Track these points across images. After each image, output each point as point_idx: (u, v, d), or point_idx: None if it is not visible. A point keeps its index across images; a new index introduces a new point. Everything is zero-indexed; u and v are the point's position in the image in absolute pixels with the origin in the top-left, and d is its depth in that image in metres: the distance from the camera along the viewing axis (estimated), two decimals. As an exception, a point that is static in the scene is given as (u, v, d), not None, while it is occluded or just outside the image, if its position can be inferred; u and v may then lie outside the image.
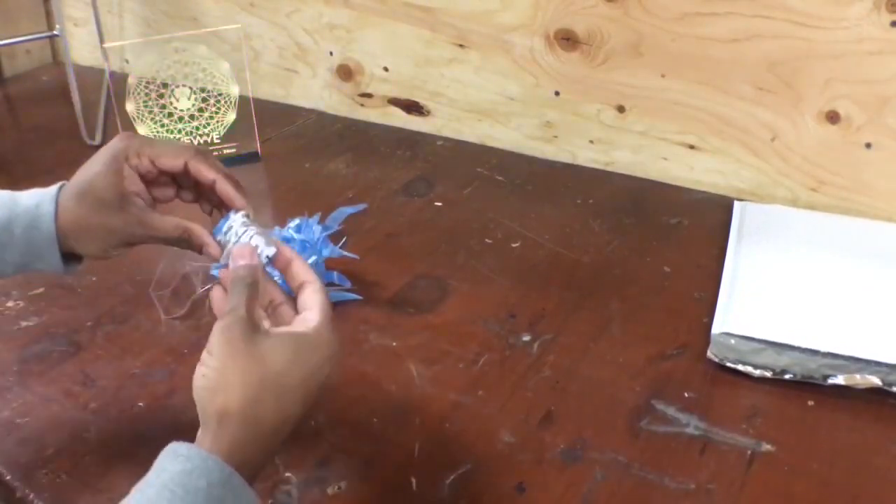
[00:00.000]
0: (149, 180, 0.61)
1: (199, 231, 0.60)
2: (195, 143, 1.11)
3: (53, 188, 0.61)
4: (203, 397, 0.48)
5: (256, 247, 0.56)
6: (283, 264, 0.57)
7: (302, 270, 0.56)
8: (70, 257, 0.62)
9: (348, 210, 0.89)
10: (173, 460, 0.46)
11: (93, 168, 0.59)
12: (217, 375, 0.48)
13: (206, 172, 0.60)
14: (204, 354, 0.50)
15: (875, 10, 0.87)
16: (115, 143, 0.60)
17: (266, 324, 0.53)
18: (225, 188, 0.60)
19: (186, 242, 0.60)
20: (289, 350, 0.50)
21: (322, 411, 0.68)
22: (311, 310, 0.53)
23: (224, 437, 0.47)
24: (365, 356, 0.76)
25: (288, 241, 0.82)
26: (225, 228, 0.59)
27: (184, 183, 0.63)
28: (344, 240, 0.91)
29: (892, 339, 0.71)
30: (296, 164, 1.14)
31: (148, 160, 0.60)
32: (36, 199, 0.60)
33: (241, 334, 0.49)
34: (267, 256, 0.55)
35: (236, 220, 0.59)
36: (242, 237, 0.57)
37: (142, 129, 1.08)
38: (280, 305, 0.56)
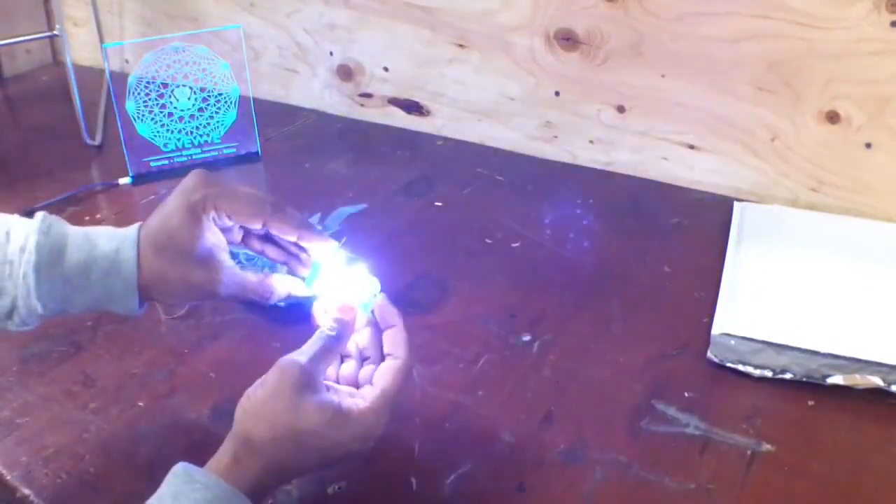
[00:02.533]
0: (221, 227, 0.59)
1: (282, 284, 0.61)
2: (195, 142, 1.11)
3: (132, 232, 0.58)
4: (239, 416, 0.52)
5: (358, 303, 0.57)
6: (383, 324, 0.58)
7: (398, 337, 0.57)
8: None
9: (348, 210, 0.89)
10: (191, 487, 0.48)
11: (172, 220, 0.57)
12: (258, 405, 0.51)
13: (287, 231, 0.59)
14: (260, 379, 0.52)
15: (875, 10, 0.87)
16: (190, 192, 0.57)
17: (325, 385, 0.54)
18: (310, 241, 0.60)
19: (268, 298, 0.60)
20: (326, 418, 0.51)
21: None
22: (375, 387, 0.55)
23: (243, 472, 0.50)
24: (365, 356, 0.76)
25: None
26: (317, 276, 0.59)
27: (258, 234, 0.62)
28: (344, 240, 0.90)
29: (891, 339, 0.71)
30: (296, 164, 1.14)
31: (226, 215, 0.58)
32: (115, 244, 0.57)
33: (293, 384, 0.51)
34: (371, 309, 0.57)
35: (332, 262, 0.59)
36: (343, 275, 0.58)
37: (142, 130, 1.08)
38: (367, 361, 0.59)
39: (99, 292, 0.57)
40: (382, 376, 0.56)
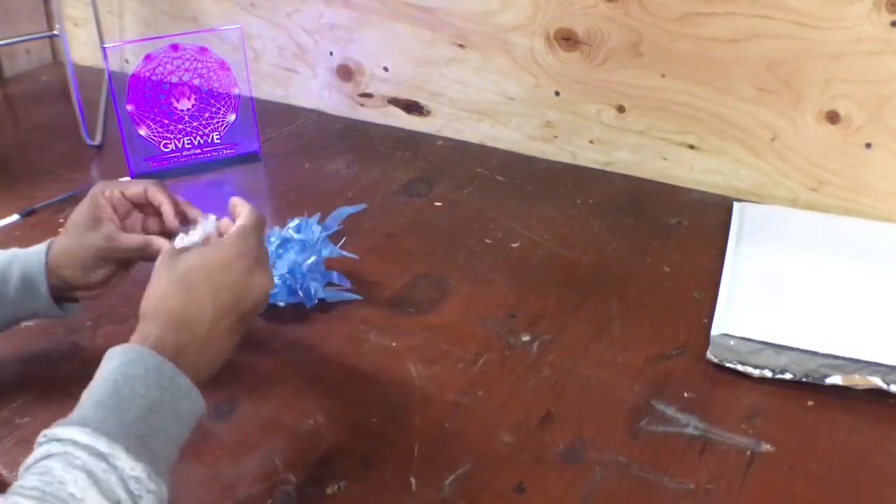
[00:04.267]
0: (121, 214, 0.70)
1: (158, 240, 0.68)
2: (195, 142, 1.11)
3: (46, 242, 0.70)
4: (140, 313, 0.57)
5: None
6: (228, 219, 0.66)
7: (236, 203, 0.65)
8: (65, 301, 0.71)
9: (348, 210, 0.89)
10: (111, 360, 0.53)
11: (76, 210, 0.69)
12: (146, 292, 0.58)
13: (159, 196, 0.70)
14: None
15: (875, 10, 0.87)
16: (92, 188, 0.70)
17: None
18: (178, 207, 0.70)
19: (148, 254, 0.68)
20: (194, 258, 0.59)
21: (322, 411, 0.69)
22: (237, 221, 0.63)
23: (142, 330, 0.55)
24: (365, 356, 0.76)
25: (287, 240, 0.82)
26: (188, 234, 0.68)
27: (148, 214, 0.72)
28: (344, 240, 0.91)
29: (891, 340, 0.71)
30: (296, 164, 1.14)
31: (118, 192, 0.70)
32: (34, 247, 0.70)
33: (163, 259, 0.60)
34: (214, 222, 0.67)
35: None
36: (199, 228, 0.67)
37: (142, 130, 1.08)
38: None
39: (19, 283, 0.67)
40: (238, 210, 0.64)
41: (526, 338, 0.78)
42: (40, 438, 0.49)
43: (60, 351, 0.76)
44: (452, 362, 0.75)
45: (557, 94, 1.10)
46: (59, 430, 0.49)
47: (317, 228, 0.83)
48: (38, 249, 0.69)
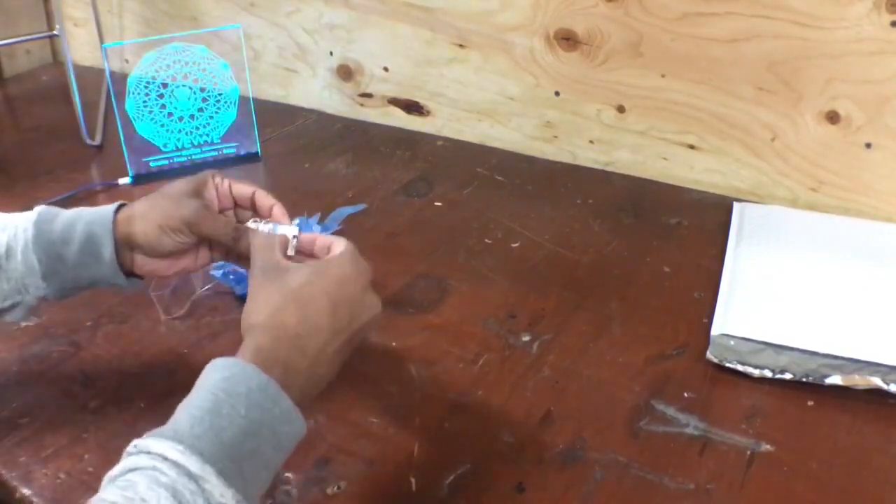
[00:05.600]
0: (222, 205, 0.69)
1: (250, 229, 0.65)
2: (195, 142, 1.11)
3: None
4: (242, 322, 0.55)
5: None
6: (308, 243, 0.63)
7: (325, 238, 0.63)
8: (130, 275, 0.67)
9: (348, 210, 0.89)
10: (214, 371, 0.50)
11: (175, 182, 0.67)
12: (250, 301, 0.56)
13: (269, 199, 0.68)
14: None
15: (875, 10, 0.87)
16: (204, 171, 0.69)
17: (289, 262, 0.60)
18: (277, 211, 0.68)
19: (237, 242, 0.65)
20: (308, 271, 0.56)
21: (322, 411, 0.69)
22: (335, 247, 0.61)
23: (251, 344, 0.52)
24: (365, 356, 0.76)
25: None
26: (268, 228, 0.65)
27: (244, 219, 0.70)
28: (344, 240, 0.90)
29: (891, 340, 0.71)
30: (296, 164, 1.14)
31: (227, 184, 0.69)
32: (101, 207, 0.67)
33: (267, 271, 0.57)
34: (294, 236, 0.63)
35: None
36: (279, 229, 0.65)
37: (142, 130, 1.08)
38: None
39: (82, 241, 0.64)
40: (334, 242, 0.61)
41: (526, 338, 0.78)
42: (130, 448, 0.47)
43: (60, 351, 0.76)
44: (452, 362, 0.75)
45: (557, 94, 1.10)
46: (150, 441, 0.46)
47: (317, 228, 0.83)
48: (106, 210, 0.65)
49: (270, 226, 0.64)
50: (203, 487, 0.44)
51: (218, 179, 0.68)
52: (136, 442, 0.46)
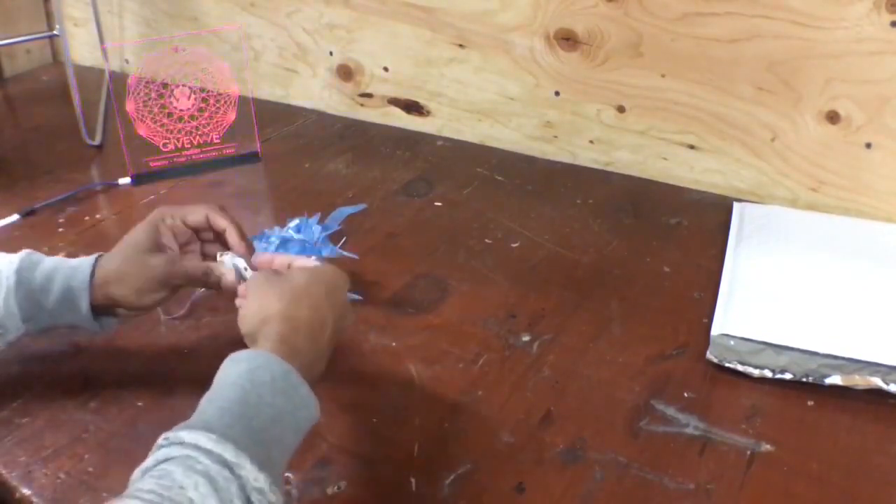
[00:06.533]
0: (181, 242, 0.71)
1: (219, 267, 0.69)
2: (195, 143, 1.11)
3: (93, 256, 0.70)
4: (246, 323, 0.59)
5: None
6: (265, 262, 0.69)
7: (284, 258, 0.68)
8: (105, 315, 0.70)
9: (348, 210, 0.89)
10: (235, 365, 0.53)
11: (133, 232, 0.69)
12: (253, 302, 0.59)
13: (221, 221, 0.71)
14: (239, 302, 0.63)
15: (875, 10, 0.87)
16: (152, 214, 0.71)
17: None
18: (232, 237, 0.71)
19: (209, 279, 0.69)
20: (308, 273, 0.62)
21: (322, 411, 0.68)
22: (299, 261, 0.66)
23: (271, 335, 0.56)
24: (365, 356, 0.76)
25: (287, 240, 0.82)
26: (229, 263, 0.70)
27: (206, 240, 0.73)
28: (344, 240, 0.91)
29: (891, 340, 0.71)
30: (296, 164, 1.14)
31: (179, 220, 0.70)
32: (79, 260, 0.69)
33: (267, 276, 0.62)
34: (245, 268, 0.69)
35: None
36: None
37: (142, 130, 1.08)
38: None
39: (60, 293, 0.66)
40: (301, 260, 0.67)
41: (526, 338, 0.78)
42: (161, 441, 0.48)
43: (60, 351, 0.76)
44: (452, 362, 0.75)
45: (557, 94, 1.10)
46: (183, 433, 0.47)
47: (317, 228, 0.83)
48: (84, 264, 0.68)
49: (235, 259, 0.69)
50: (238, 474, 0.46)
51: (169, 220, 0.70)
52: (166, 434, 0.48)
